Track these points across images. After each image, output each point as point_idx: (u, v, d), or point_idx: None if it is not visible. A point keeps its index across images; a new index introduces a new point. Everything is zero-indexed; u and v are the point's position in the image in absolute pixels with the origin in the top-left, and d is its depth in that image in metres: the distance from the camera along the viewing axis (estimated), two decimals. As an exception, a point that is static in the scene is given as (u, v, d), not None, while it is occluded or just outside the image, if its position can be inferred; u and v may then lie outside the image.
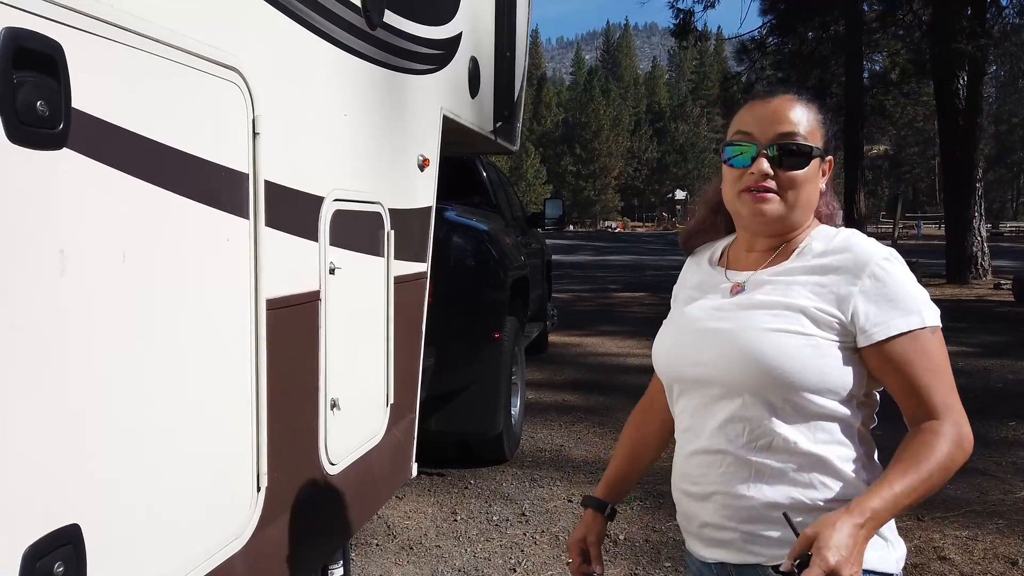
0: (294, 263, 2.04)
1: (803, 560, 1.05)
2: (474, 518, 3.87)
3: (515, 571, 3.32)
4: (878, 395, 1.30)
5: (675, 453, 1.39)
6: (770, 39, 18.21)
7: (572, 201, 63.31)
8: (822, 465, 1.23)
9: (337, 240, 2.25)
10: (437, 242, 3.30)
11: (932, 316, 1.22)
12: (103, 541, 1.30)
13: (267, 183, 1.81)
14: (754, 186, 1.27)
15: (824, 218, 1.38)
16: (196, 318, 1.57)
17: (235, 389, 1.73)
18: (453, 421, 4.26)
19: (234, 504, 1.76)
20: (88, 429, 1.28)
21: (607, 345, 8.90)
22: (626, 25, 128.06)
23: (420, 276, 3.09)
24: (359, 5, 2.37)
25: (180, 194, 1.49)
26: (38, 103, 1.14)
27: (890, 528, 1.24)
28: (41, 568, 1.17)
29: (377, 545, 3.57)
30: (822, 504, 1.22)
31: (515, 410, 4.83)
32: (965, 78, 14.96)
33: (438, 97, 3.19)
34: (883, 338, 1.20)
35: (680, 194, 68.37)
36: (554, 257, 9.54)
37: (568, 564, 1.53)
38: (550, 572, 3.31)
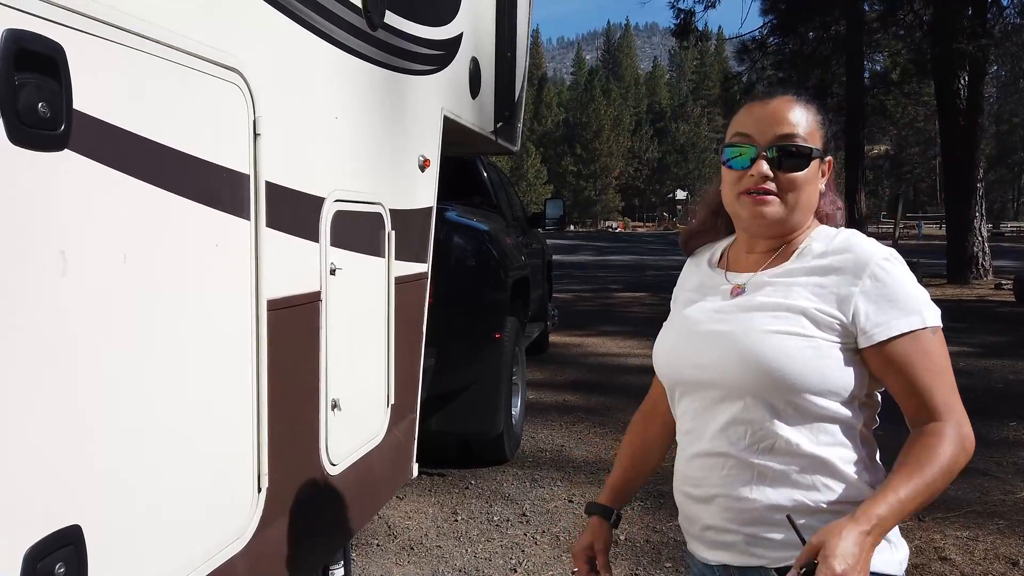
0: (295, 264, 2.04)
1: (809, 568, 1.05)
2: (475, 518, 3.87)
3: (516, 571, 3.32)
4: (879, 396, 1.30)
5: (677, 455, 1.39)
6: (771, 39, 18.21)
7: (573, 201, 63.30)
8: (824, 467, 1.22)
9: (338, 241, 2.25)
10: (438, 242, 3.30)
11: (933, 316, 1.21)
12: (104, 542, 1.30)
13: (268, 184, 1.81)
14: (754, 188, 1.26)
15: (825, 218, 1.37)
16: (197, 319, 1.57)
17: (236, 390, 1.73)
18: (454, 421, 4.26)
19: (235, 505, 1.76)
20: (89, 430, 1.28)
21: (608, 345, 8.90)
22: (627, 25, 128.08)
23: (421, 276, 3.09)
24: (360, 6, 2.37)
25: (181, 195, 1.49)
26: (39, 105, 1.14)
27: (892, 529, 1.24)
28: (42, 569, 1.17)
29: (378, 545, 3.57)
30: (824, 506, 1.21)
31: (516, 410, 4.83)
32: (966, 78, 14.95)
33: (439, 98, 3.19)
34: (884, 339, 1.19)
35: (681, 194, 68.37)
36: (555, 257, 9.53)
37: (574, 573, 1.51)
38: (551, 572, 3.31)
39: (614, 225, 64.52)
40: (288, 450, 2.01)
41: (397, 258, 2.75)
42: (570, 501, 4.08)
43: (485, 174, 5.81)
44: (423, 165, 3.01)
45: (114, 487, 1.34)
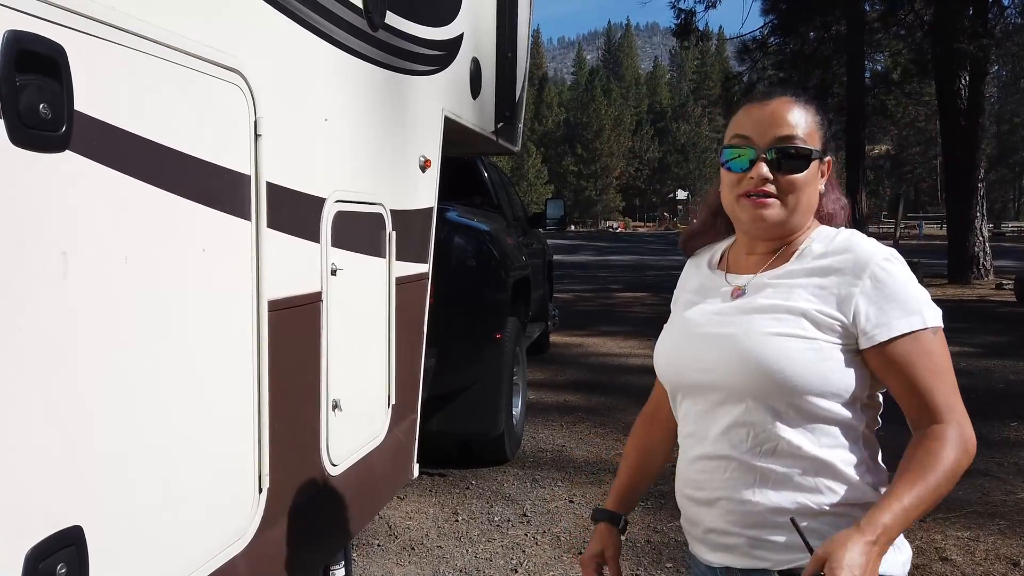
0: (296, 264, 2.04)
1: None
2: (475, 519, 3.87)
3: (516, 572, 3.32)
4: (881, 397, 1.30)
5: (678, 457, 1.39)
6: (772, 39, 18.21)
7: (573, 201, 63.31)
8: (827, 469, 1.22)
9: (339, 241, 2.26)
10: (439, 243, 3.30)
11: (934, 316, 1.21)
12: (105, 542, 1.30)
13: (269, 185, 1.82)
14: (753, 191, 1.26)
15: (829, 217, 1.36)
16: (198, 319, 1.57)
17: (237, 390, 1.74)
18: (454, 421, 4.26)
19: (236, 505, 1.76)
20: (90, 431, 1.28)
21: (609, 345, 8.90)
22: (627, 25, 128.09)
23: (422, 277, 3.09)
24: (361, 7, 2.37)
25: (182, 196, 1.49)
26: (41, 106, 1.14)
27: None
28: (44, 570, 1.17)
29: (379, 546, 3.57)
30: (827, 508, 1.21)
31: (516, 410, 4.83)
32: (967, 78, 14.94)
33: (440, 98, 3.19)
34: (885, 339, 1.19)
35: (682, 194, 68.39)
36: (555, 257, 9.54)
37: None
38: (551, 573, 3.31)
39: (615, 225, 64.52)
40: (289, 450, 2.01)
41: (398, 258, 2.75)
42: (571, 501, 4.08)
43: (486, 174, 5.81)
44: (424, 165, 3.02)
45: (116, 488, 1.35)
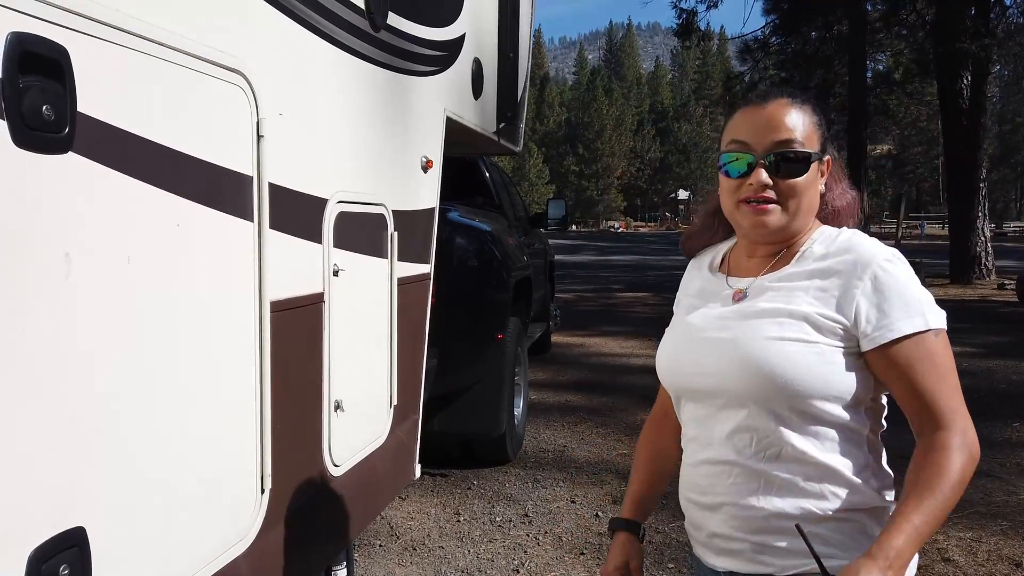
0: (298, 265, 2.04)
1: None
2: (477, 519, 3.87)
3: (518, 572, 3.32)
4: (885, 400, 1.28)
5: (682, 461, 1.38)
6: (773, 39, 18.22)
7: (575, 201, 63.30)
8: (832, 474, 1.21)
9: (341, 242, 2.26)
10: (440, 243, 3.30)
11: (937, 318, 1.19)
12: (108, 543, 1.31)
13: (271, 185, 1.82)
14: (753, 197, 1.25)
15: (834, 213, 1.35)
16: (200, 320, 1.57)
17: (239, 391, 1.74)
18: (456, 422, 4.26)
19: (238, 506, 1.76)
20: (93, 432, 1.28)
21: (610, 345, 8.90)
22: (629, 25, 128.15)
23: (424, 277, 3.09)
24: (363, 8, 2.37)
25: (185, 197, 1.50)
26: (44, 107, 1.14)
27: None
28: (47, 571, 1.17)
29: (380, 546, 3.57)
30: (832, 514, 1.20)
31: (518, 411, 4.84)
32: (969, 78, 14.93)
33: (441, 98, 3.20)
34: (886, 341, 1.17)
35: (683, 194, 68.35)
36: (557, 257, 9.54)
37: None
38: (553, 573, 3.31)
39: (616, 225, 64.52)
40: (291, 451, 2.01)
41: (400, 259, 2.75)
42: (572, 502, 4.08)
43: (487, 174, 5.81)
44: (426, 166, 3.02)
45: (118, 489, 1.35)
